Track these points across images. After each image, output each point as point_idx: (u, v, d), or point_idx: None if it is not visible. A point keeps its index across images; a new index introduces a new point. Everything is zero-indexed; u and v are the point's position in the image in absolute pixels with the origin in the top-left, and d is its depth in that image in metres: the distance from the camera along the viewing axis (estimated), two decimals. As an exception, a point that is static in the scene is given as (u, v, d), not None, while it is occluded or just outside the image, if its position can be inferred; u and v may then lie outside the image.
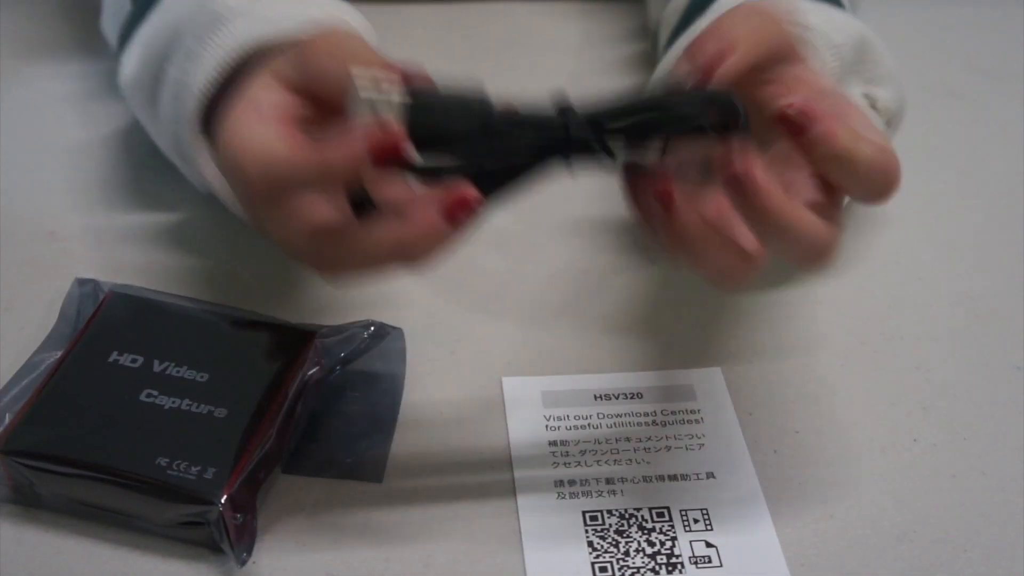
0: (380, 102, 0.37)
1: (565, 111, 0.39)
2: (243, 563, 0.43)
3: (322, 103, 0.43)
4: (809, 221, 0.39)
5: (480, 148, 0.38)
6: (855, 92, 0.52)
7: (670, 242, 0.40)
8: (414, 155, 0.37)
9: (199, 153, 0.50)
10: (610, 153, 0.39)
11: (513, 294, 0.56)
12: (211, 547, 0.43)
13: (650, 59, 0.68)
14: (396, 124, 0.37)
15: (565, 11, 0.75)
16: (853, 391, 0.51)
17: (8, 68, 0.70)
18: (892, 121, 0.53)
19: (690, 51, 0.41)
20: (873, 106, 0.51)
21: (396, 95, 0.37)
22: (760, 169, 0.38)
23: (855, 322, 0.55)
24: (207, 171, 0.50)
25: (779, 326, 0.54)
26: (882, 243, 0.60)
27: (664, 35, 0.61)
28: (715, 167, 0.38)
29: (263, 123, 0.41)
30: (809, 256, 0.40)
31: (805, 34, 0.49)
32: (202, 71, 0.48)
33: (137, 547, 0.44)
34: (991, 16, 0.79)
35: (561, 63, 0.71)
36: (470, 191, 0.38)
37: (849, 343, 0.54)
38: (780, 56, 0.44)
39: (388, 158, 0.37)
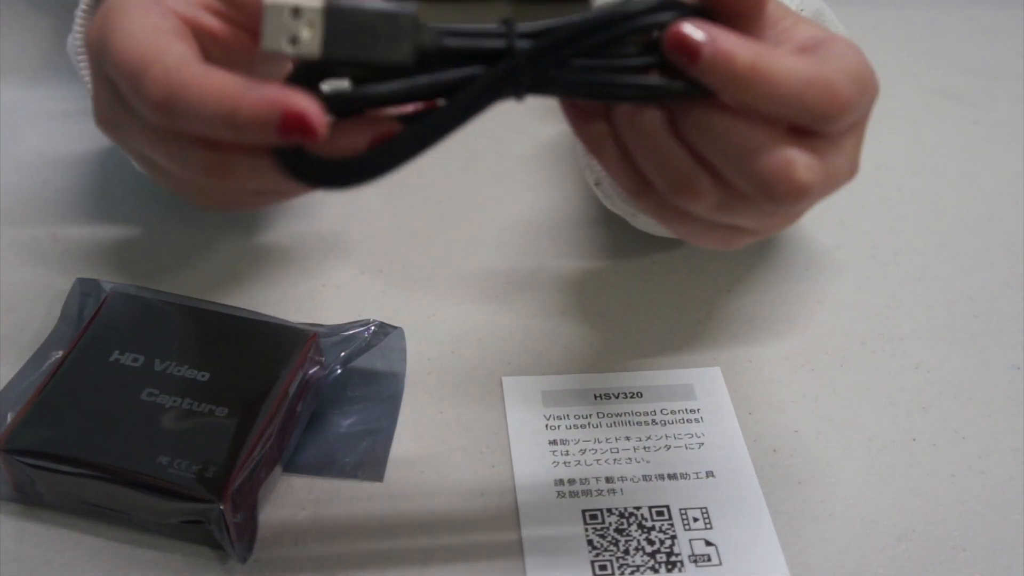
0: (289, 9, 0.32)
1: (508, 22, 0.33)
2: (244, 561, 0.43)
3: (236, 19, 0.37)
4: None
5: (403, 58, 0.33)
6: None
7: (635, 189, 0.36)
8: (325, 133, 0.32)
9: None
10: (561, 65, 0.33)
11: (513, 294, 0.56)
12: (212, 545, 0.44)
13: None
14: (315, 105, 0.32)
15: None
16: (853, 391, 0.52)
17: (15, 71, 0.70)
18: None
19: None
20: None
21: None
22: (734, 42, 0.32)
23: (855, 322, 0.55)
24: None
25: (779, 326, 0.55)
26: (882, 243, 0.60)
27: None
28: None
29: (174, 32, 0.36)
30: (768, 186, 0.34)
31: None
32: None
33: (139, 545, 0.44)
34: (991, 17, 0.79)
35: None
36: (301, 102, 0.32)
37: (849, 343, 0.54)
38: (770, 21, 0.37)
39: (298, 138, 0.32)
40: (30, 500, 0.45)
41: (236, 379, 0.46)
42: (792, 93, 0.33)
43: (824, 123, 0.34)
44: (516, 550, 0.44)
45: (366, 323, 0.50)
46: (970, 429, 0.50)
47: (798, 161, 0.34)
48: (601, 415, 0.50)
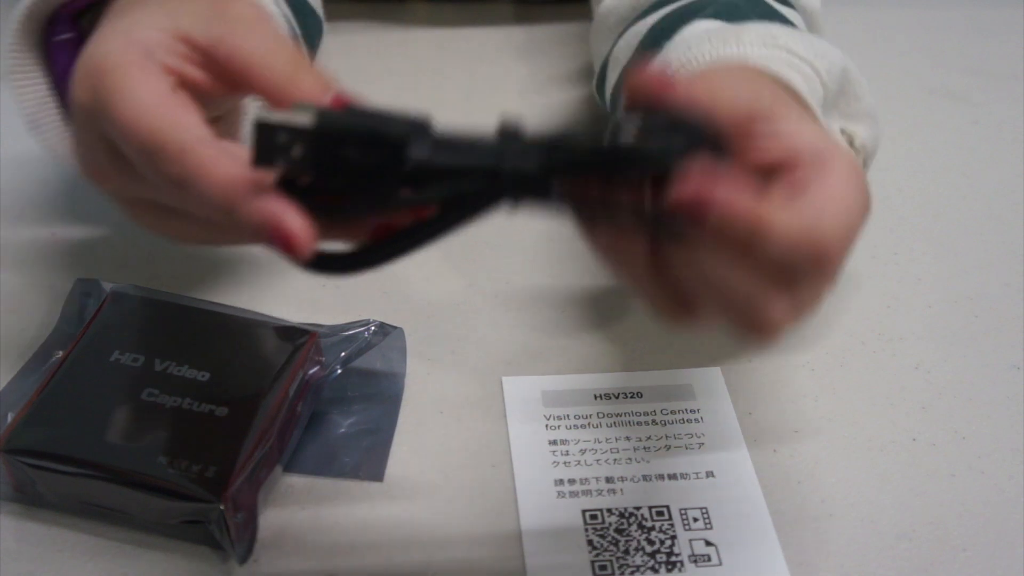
0: (280, 128, 0.32)
1: (505, 133, 0.32)
2: (244, 561, 0.43)
3: (218, 74, 0.38)
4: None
5: (389, 189, 0.32)
6: (834, 127, 0.49)
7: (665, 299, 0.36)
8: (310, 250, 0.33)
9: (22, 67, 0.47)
10: (556, 192, 0.32)
11: (513, 294, 0.56)
12: (212, 545, 0.44)
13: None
14: (306, 227, 0.32)
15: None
16: (853, 391, 0.52)
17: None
18: (867, 161, 0.51)
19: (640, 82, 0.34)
20: (851, 143, 0.49)
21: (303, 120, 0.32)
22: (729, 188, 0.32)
23: (855, 322, 0.55)
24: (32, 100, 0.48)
25: (779, 326, 0.55)
26: (882, 243, 0.60)
27: (614, 75, 0.56)
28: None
29: (176, 94, 0.36)
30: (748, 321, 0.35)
31: (790, 60, 0.45)
32: None
33: (139, 545, 0.44)
34: (991, 17, 0.79)
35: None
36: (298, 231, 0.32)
37: (849, 343, 0.54)
38: (763, 116, 0.36)
39: (285, 252, 0.33)
40: (30, 500, 0.45)
41: (236, 379, 0.46)
42: (784, 252, 0.33)
43: (806, 274, 0.34)
44: (516, 550, 0.44)
45: (366, 323, 0.50)
46: (970, 429, 0.50)
47: (775, 308, 0.34)
48: (601, 415, 0.50)
